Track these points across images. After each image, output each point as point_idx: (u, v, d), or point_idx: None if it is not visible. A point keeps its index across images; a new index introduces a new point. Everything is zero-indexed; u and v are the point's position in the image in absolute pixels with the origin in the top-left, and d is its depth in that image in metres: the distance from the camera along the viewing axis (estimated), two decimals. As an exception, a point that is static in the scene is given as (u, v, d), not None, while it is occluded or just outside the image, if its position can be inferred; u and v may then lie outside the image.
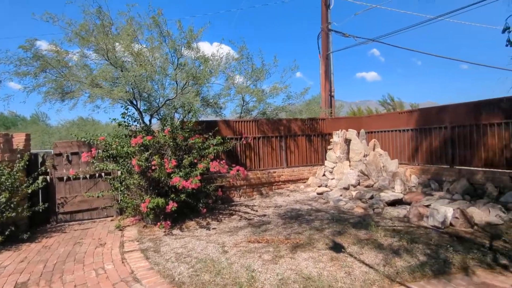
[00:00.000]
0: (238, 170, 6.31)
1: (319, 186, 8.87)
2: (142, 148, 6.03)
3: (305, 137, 9.92)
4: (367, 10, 12.87)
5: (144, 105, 7.57)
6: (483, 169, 6.63)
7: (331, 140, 10.07)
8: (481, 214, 5.17)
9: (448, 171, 7.41)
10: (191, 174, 5.96)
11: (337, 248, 4.41)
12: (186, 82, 7.03)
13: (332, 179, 9.26)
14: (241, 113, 10.52)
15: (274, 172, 9.22)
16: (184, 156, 6.35)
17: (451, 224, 5.03)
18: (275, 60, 10.20)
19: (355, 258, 4.05)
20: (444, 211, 5.08)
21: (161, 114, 7.77)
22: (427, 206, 5.78)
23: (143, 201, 5.72)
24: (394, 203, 6.80)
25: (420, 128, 8.37)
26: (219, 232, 5.54)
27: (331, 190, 8.47)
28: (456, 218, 5.00)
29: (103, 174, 6.74)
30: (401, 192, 7.35)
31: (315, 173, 9.75)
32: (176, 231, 5.72)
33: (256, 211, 6.98)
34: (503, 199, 5.90)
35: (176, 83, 7.14)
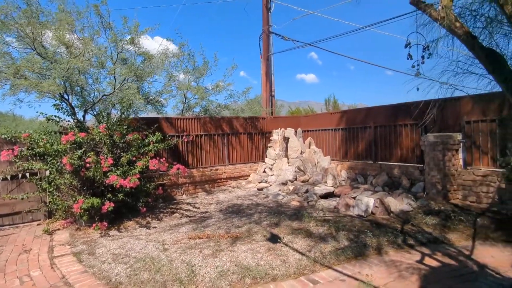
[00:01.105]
0: (178, 168, 6.31)
1: (259, 182, 9.24)
2: (74, 145, 5.69)
3: (247, 135, 10.22)
4: (304, 16, 13.62)
5: (77, 100, 7.09)
6: (399, 164, 7.61)
7: (271, 138, 10.52)
8: (396, 203, 5.96)
9: (372, 166, 8.33)
10: (129, 173, 5.80)
11: (274, 239, 4.73)
12: (125, 78, 6.76)
13: (271, 175, 9.70)
14: (182, 110, 10.43)
15: (217, 170, 9.35)
16: (122, 154, 6.14)
17: (372, 213, 5.72)
18: (215, 59, 10.33)
19: (290, 247, 4.40)
20: (367, 201, 5.76)
21: (97, 110, 7.35)
22: (354, 197, 6.45)
23: (75, 202, 5.41)
24: (327, 196, 7.42)
25: (349, 128, 9.23)
26: (160, 230, 5.50)
27: (271, 185, 8.89)
28: (376, 207, 5.70)
29: (27, 174, 6.17)
30: (333, 186, 8.04)
31: (256, 170, 10.12)
32: (113, 232, 5.53)
33: (198, 208, 7.05)
34: (414, 189, 6.87)
35: (115, 78, 6.83)
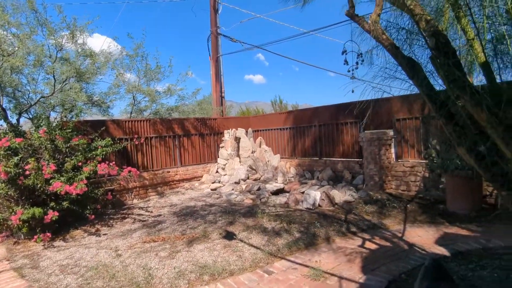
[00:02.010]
0: (129, 171, 6.15)
1: (212, 183, 9.32)
2: (9, 152, 5.25)
3: (199, 136, 10.21)
4: (251, 18, 13.96)
5: (9, 102, 6.51)
6: (342, 159, 8.27)
7: (222, 138, 10.65)
8: (340, 195, 6.51)
9: (318, 162, 8.91)
10: (75, 179, 5.51)
11: (229, 236, 4.89)
12: (67, 77, 6.38)
13: (224, 175, 9.84)
14: (131, 112, 10.07)
15: (169, 172, 9.22)
16: (66, 159, 5.81)
17: (319, 205, 6.17)
18: (170, 64, 10.18)
19: (245, 242, 4.61)
20: (314, 195, 6.20)
21: (32, 113, 6.82)
22: (302, 192, 6.88)
23: (13, 213, 5.02)
24: (277, 192, 7.79)
25: (296, 127, 9.74)
26: (111, 237, 5.34)
27: (224, 185, 9.03)
28: (323, 199, 6.17)
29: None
30: (283, 183, 8.45)
31: (209, 171, 10.17)
32: (58, 243, 5.23)
33: (151, 211, 6.92)
34: (355, 182, 7.54)
35: (54, 77, 6.39)
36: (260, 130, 11.08)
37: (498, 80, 2.13)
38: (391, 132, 6.93)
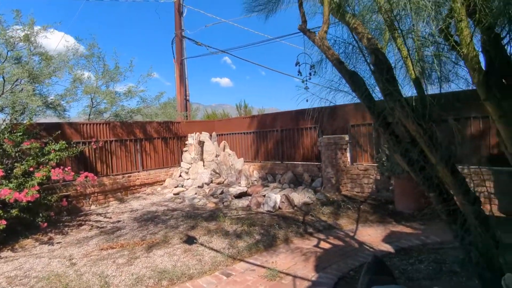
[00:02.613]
0: (86, 177, 5.95)
1: (175, 187, 9.22)
2: (-51, 158, 4.88)
3: (162, 139, 10.06)
4: (217, 23, 14.03)
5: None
6: (302, 162, 8.60)
7: (186, 142, 10.58)
8: (299, 197, 6.77)
9: (279, 166, 9.18)
10: (26, 185, 5.24)
11: (190, 241, 4.92)
12: (18, 79, 6.04)
13: (188, 179, 9.78)
14: (90, 114, 9.68)
15: (130, 176, 8.98)
16: (16, 164, 5.49)
17: (279, 208, 6.38)
18: (131, 65, 9.93)
19: (206, 246, 4.66)
20: (274, 198, 6.40)
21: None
22: (264, 195, 7.06)
23: (-47, 223, 4.66)
24: (240, 195, 7.90)
25: (259, 131, 9.95)
26: (65, 245, 5.13)
27: (187, 189, 8.98)
28: (283, 202, 6.39)
29: None
30: (246, 186, 8.59)
31: (172, 175, 10.05)
32: (6, 253, 4.93)
33: (110, 217, 6.72)
34: (314, 184, 7.88)
35: (4, 78, 6.03)
36: (225, 134, 11.16)
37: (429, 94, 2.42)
38: (346, 137, 7.35)
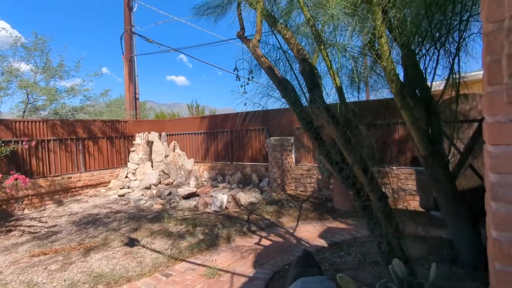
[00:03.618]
0: (17, 179, 5.52)
1: (121, 188, 8.88)
2: None
3: (107, 139, 9.62)
4: (168, 21, 13.75)
5: None
6: (251, 163, 8.81)
7: (134, 142, 10.23)
8: (246, 197, 6.95)
9: (229, 166, 9.30)
10: None
11: (132, 243, 4.82)
12: None
13: (134, 180, 9.47)
14: (24, 111, 8.93)
15: (70, 178, 8.46)
16: None
17: (226, 207, 6.49)
18: (78, 65, 9.33)
19: (147, 248, 4.61)
20: (221, 198, 6.49)
21: None
22: (212, 196, 7.12)
23: None
24: (189, 196, 7.86)
25: (210, 131, 9.98)
26: (-10, 253, 4.72)
27: (133, 191, 8.71)
28: (229, 202, 6.51)
29: None
30: (195, 187, 8.57)
31: (118, 176, 9.66)
32: None
33: (45, 222, 6.30)
34: (261, 184, 8.12)
35: None
36: (175, 134, 10.99)
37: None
38: (291, 139, 7.69)
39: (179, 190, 8.18)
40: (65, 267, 4.07)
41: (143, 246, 4.67)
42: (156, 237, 5.04)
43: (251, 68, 3.45)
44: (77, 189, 8.63)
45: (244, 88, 3.31)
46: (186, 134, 10.67)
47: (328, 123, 2.45)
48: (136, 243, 4.81)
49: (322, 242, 4.54)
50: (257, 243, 4.66)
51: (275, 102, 2.93)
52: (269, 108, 3.05)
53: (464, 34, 3.36)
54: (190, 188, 8.38)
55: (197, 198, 7.49)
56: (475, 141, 5.15)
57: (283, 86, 2.73)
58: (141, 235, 5.14)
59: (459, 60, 3.38)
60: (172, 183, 9.31)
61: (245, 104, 3.52)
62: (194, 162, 10.22)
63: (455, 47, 3.46)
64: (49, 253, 4.57)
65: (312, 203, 6.72)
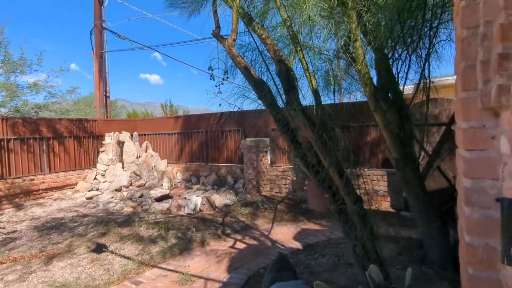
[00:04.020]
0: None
1: (89, 191, 8.47)
2: None
3: (74, 139, 9.15)
4: (141, 18, 13.35)
5: None
6: (226, 164, 8.71)
7: (103, 142, 9.81)
8: (221, 199, 6.84)
9: (204, 167, 9.14)
10: None
11: (99, 249, 4.58)
12: None
13: (104, 182, 9.07)
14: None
15: (33, 180, 7.95)
16: None
17: (200, 210, 6.35)
18: (40, 59, 8.80)
19: (116, 254, 4.39)
20: (195, 200, 6.35)
21: None
22: (186, 198, 6.94)
23: None
24: (162, 198, 7.64)
25: (184, 132, 9.76)
26: None
27: (103, 193, 8.33)
28: (204, 204, 6.37)
29: None
30: (168, 188, 8.33)
31: (86, 177, 9.21)
32: None
33: (3, 228, 5.86)
34: (236, 186, 8.04)
35: None
36: (147, 134, 10.66)
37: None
38: (267, 141, 7.68)
39: (152, 192, 7.92)
40: (24, 277, 3.79)
41: (112, 252, 4.45)
42: (126, 242, 4.82)
43: (226, 68, 3.37)
44: (40, 192, 8.13)
45: (219, 88, 3.22)
46: (159, 134, 10.38)
47: (305, 126, 2.42)
48: (104, 249, 4.57)
49: (296, 244, 4.53)
50: (232, 247, 4.58)
51: (251, 103, 2.87)
52: (245, 109, 2.99)
53: (434, 40, 3.47)
54: (163, 190, 8.14)
55: (170, 200, 7.28)
56: (443, 144, 5.37)
57: (259, 87, 2.67)
58: (110, 240, 4.90)
59: (429, 65, 3.49)
60: (144, 185, 9.01)
61: (220, 104, 3.44)
62: (168, 163, 9.96)
63: (425, 52, 3.58)
64: (6, 262, 4.24)
65: (287, 204, 6.72)
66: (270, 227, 5.41)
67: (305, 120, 2.41)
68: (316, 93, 2.76)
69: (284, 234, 5.01)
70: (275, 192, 7.52)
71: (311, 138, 2.46)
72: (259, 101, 2.80)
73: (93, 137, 9.68)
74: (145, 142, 10.37)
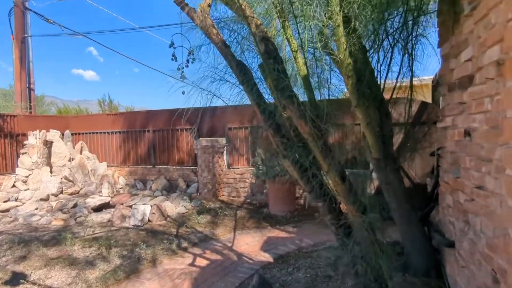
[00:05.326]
0: None
1: (5, 201, 6.96)
2: None
3: (-16, 138, 7.50)
4: (75, -1, 11.71)
5: None
6: (177, 167, 7.88)
7: (25, 142, 8.23)
8: (173, 206, 6.06)
9: (151, 171, 8.18)
10: None
11: (15, 280, 3.54)
12: None
13: (26, 190, 7.57)
14: None
15: None
16: None
17: (149, 220, 5.51)
18: None
19: (40, 285, 3.43)
20: (143, 209, 5.49)
21: None
22: (131, 206, 6.01)
23: None
24: (101, 207, 6.56)
25: (128, 131, 8.66)
26: None
27: (24, 204, 6.90)
28: (153, 213, 5.54)
29: None
30: (109, 195, 7.23)
31: (1, 185, 7.60)
32: None
33: None
34: (189, 190, 7.29)
35: None
36: (83, 133, 9.28)
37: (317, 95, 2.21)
38: (223, 141, 7.08)
39: (88, 200, 6.76)
40: None
41: (34, 283, 3.46)
42: (54, 267, 3.84)
43: (192, 47, 2.72)
44: None
45: (182, 71, 2.57)
46: (97, 133, 9.08)
47: (301, 118, 1.92)
48: (22, 280, 3.53)
49: (266, 256, 4.02)
50: (191, 264, 3.90)
51: (224, 89, 2.28)
52: (200, 105, 2.39)
53: (417, 31, 3.25)
54: (103, 197, 7.02)
55: (112, 210, 6.25)
56: (405, 144, 5.32)
57: (242, 69, 2.11)
58: (32, 267, 3.86)
59: (412, 60, 3.25)
60: (78, 192, 7.74)
61: (183, 92, 2.77)
62: (108, 166, 8.74)
63: (407, 46, 3.34)
64: None
65: (247, 209, 6.20)
66: (233, 237, 4.82)
67: (303, 111, 1.91)
68: (306, 81, 2.28)
69: (250, 245, 4.47)
70: (233, 197, 6.95)
71: (307, 134, 1.97)
72: (241, 87, 2.23)
73: (11, 136, 8.08)
74: (80, 142, 8.99)
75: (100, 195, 7.32)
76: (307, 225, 5.24)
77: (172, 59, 2.56)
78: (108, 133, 8.95)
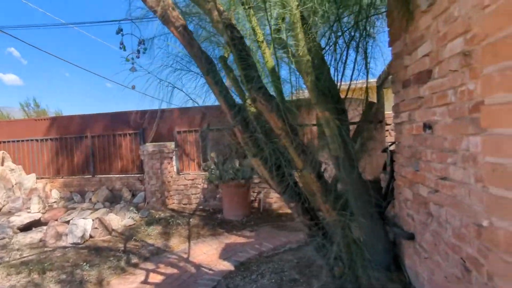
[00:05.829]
0: None
1: None
2: None
3: None
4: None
5: None
6: (120, 175, 7.23)
7: None
8: (118, 219, 5.51)
9: (90, 181, 7.38)
10: None
11: None
12: None
13: None
14: None
15: None
16: None
17: (91, 236, 4.92)
18: None
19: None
20: (84, 224, 4.88)
21: None
22: (68, 222, 5.32)
23: None
24: (30, 226, 5.74)
25: (62, 137, 7.71)
26: None
27: None
28: (96, 228, 4.96)
29: None
30: (39, 211, 6.35)
31: None
32: None
33: None
34: (136, 200, 6.73)
35: None
36: (4, 142, 8.04)
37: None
38: (172, 145, 6.69)
39: (13, 219, 5.83)
40: None
41: None
42: (-30, 302, 3.16)
43: (142, 37, 2.43)
44: None
45: (133, 63, 2.27)
46: (23, 141, 7.93)
47: (272, 112, 1.78)
48: None
49: (226, 265, 3.80)
50: (144, 282, 3.52)
51: (187, 79, 2.06)
52: (146, 108, 2.15)
53: (369, 31, 3.35)
54: (32, 214, 6.13)
55: (44, 227, 5.46)
56: (355, 142, 5.54)
57: (207, 60, 1.90)
58: None
59: (366, 58, 3.34)
60: (0, 210, 6.65)
61: (133, 87, 2.47)
62: (38, 178, 7.68)
63: (359, 45, 3.43)
64: None
65: (201, 216, 5.89)
66: (188, 247, 4.51)
67: (274, 105, 1.77)
68: (274, 73, 2.16)
69: (208, 254, 4.20)
70: (184, 204, 6.57)
71: (280, 129, 1.84)
72: (204, 78, 2.01)
73: None
74: (1, 152, 7.76)
75: (29, 212, 6.39)
76: (264, 228, 5.14)
77: (120, 48, 2.25)
78: (37, 140, 7.88)
